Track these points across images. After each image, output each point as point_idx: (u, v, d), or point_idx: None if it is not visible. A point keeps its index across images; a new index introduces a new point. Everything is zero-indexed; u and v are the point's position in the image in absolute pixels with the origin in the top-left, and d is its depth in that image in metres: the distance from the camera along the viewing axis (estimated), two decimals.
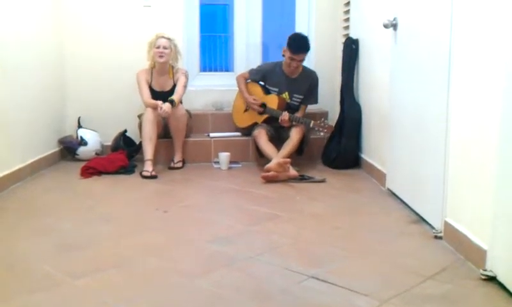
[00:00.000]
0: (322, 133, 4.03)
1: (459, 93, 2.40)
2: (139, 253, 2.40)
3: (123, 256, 2.37)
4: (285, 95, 4.34)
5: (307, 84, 4.36)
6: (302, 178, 3.81)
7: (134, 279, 2.13)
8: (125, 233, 2.70)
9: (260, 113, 4.37)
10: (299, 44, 4.18)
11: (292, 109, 4.27)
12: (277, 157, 3.90)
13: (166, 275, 2.16)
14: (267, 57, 5.14)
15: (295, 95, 4.34)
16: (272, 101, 4.32)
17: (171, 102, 4.09)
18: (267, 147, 4.13)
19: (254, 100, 4.39)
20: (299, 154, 4.21)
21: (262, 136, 4.19)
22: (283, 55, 4.25)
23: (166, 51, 4.23)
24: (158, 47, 4.22)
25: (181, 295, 1.97)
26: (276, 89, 4.35)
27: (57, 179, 3.94)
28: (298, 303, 1.90)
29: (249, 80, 4.51)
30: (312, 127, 4.04)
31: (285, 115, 4.10)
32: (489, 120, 2.09)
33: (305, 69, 4.40)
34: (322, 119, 4.12)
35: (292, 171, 3.83)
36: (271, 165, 3.80)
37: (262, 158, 4.24)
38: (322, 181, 3.80)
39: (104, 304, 1.89)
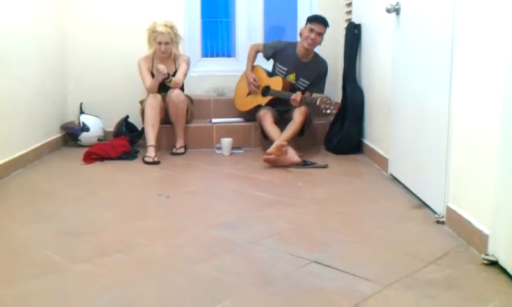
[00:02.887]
0: (329, 111, 3.98)
1: (461, 78, 2.39)
2: (141, 238, 2.41)
3: (125, 241, 2.37)
4: (292, 76, 4.34)
5: (316, 71, 4.37)
6: (305, 164, 3.80)
7: (137, 264, 2.14)
8: (128, 219, 2.71)
9: (264, 95, 4.36)
10: (319, 17, 4.27)
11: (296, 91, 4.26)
12: (278, 140, 3.90)
13: (169, 261, 2.17)
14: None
15: (301, 79, 4.34)
16: (277, 83, 4.32)
17: (168, 75, 4.11)
18: (272, 129, 4.11)
19: (254, 80, 4.42)
20: (301, 135, 4.17)
21: (267, 118, 4.18)
22: (300, 35, 4.29)
23: (168, 47, 4.23)
24: (159, 43, 4.21)
25: (183, 280, 1.98)
26: (285, 69, 4.36)
27: (59, 165, 3.95)
28: (300, 288, 1.91)
29: (256, 64, 4.53)
30: (318, 105, 4.00)
31: (298, 95, 4.08)
32: (492, 105, 2.08)
33: (317, 56, 4.42)
34: (328, 97, 4.08)
35: (296, 157, 3.82)
36: (270, 149, 3.79)
37: (266, 140, 4.23)
38: (325, 166, 3.79)
39: (106, 289, 1.90)
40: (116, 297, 1.84)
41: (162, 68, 4.06)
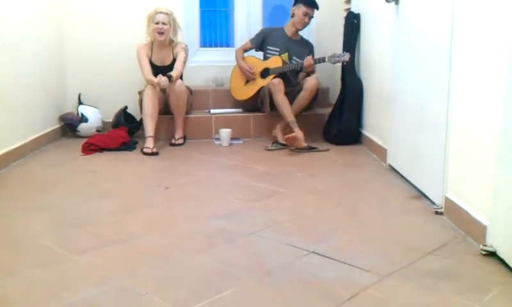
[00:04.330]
0: (339, 64, 4.10)
1: (461, 68, 2.38)
2: (141, 229, 2.41)
3: (125, 232, 2.38)
4: (285, 56, 4.39)
5: (306, 51, 4.43)
6: (309, 148, 3.96)
7: (136, 254, 2.14)
8: (127, 209, 2.71)
9: (264, 77, 4.37)
10: (314, 1, 4.35)
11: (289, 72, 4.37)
12: (290, 118, 4.07)
13: (168, 251, 2.17)
14: None
15: (294, 57, 4.41)
16: (276, 62, 4.37)
17: (169, 77, 4.08)
18: (285, 101, 4.15)
19: (249, 67, 4.45)
20: (309, 108, 4.31)
21: (281, 87, 4.17)
22: (293, 16, 4.38)
23: (165, 27, 4.20)
24: (157, 23, 4.19)
25: (182, 271, 1.99)
26: (277, 49, 4.44)
27: (58, 156, 3.94)
28: (299, 278, 1.92)
29: (246, 55, 4.57)
30: (327, 62, 4.11)
31: (309, 59, 4.14)
32: (491, 96, 2.08)
33: (302, 36, 4.55)
34: (333, 53, 4.13)
35: (304, 142, 3.94)
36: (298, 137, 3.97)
37: (272, 111, 4.29)
38: (327, 150, 3.98)
39: (105, 279, 1.90)
40: (116, 287, 1.85)
41: (164, 80, 4.03)
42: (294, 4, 4.39)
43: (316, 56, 4.27)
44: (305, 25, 4.40)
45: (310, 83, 4.17)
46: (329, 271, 1.97)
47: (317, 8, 4.37)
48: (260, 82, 4.41)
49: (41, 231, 2.38)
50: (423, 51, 2.87)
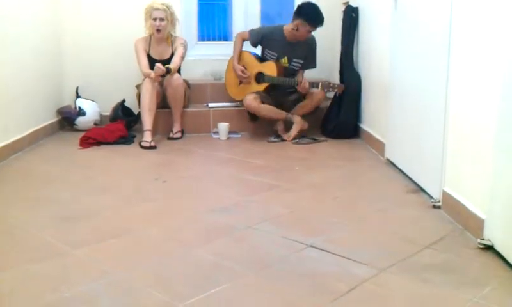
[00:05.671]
0: (331, 94, 4.18)
1: (459, 62, 2.38)
2: (138, 223, 2.42)
3: (122, 225, 2.38)
4: (284, 60, 4.31)
5: (307, 49, 4.34)
6: (313, 139, 4.10)
7: (134, 248, 2.14)
8: (125, 203, 2.71)
9: (258, 82, 4.33)
10: (320, 18, 4.13)
11: (290, 73, 4.30)
12: (296, 118, 4.18)
13: (166, 245, 2.18)
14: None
15: (294, 60, 4.32)
16: (271, 68, 4.26)
17: (167, 69, 4.07)
18: (269, 110, 4.21)
19: (242, 71, 4.35)
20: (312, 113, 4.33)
21: (256, 103, 4.15)
22: (296, 29, 4.16)
23: (163, 23, 4.19)
24: (154, 20, 4.17)
25: (180, 265, 1.99)
26: (275, 54, 4.32)
27: (56, 149, 3.94)
28: (297, 272, 1.92)
29: (244, 50, 4.48)
30: (320, 89, 4.14)
31: (306, 82, 4.12)
32: (489, 89, 2.08)
33: None
34: (328, 81, 4.18)
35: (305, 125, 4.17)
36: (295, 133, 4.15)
37: (255, 122, 4.34)
38: (324, 141, 4.11)
39: (103, 273, 1.91)
40: (114, 281, 1.85)
41: (160, 66, 4.02)
42: (298, 16, 4.14)
43: (313, 64, 4.36)
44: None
45: (316, 96, 4.19)
46: (327, 265, 1.97)
47: (322, 25, 4.19)
48: (255, 87, 4.31)
49: (40, 224, 2.38)
50: (421, 44, 2.86)
